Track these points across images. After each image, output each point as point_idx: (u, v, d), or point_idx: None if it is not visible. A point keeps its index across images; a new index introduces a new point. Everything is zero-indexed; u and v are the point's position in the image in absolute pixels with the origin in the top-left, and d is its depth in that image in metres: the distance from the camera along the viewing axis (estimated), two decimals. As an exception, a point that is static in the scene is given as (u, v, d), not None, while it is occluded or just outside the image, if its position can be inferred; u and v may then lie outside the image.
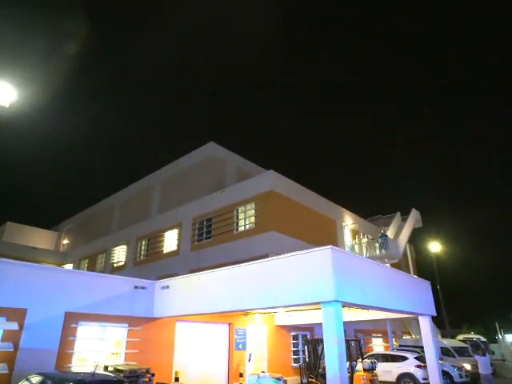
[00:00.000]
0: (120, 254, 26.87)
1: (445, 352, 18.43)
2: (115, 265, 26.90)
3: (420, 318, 12.55)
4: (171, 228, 23.35)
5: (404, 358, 14.87)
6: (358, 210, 26.04)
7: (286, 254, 8.71)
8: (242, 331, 14.60)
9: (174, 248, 22.52)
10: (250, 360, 14.14)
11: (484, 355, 12.91)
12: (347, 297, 7.94)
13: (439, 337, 24.63)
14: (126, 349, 10.94)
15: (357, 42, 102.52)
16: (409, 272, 25.89)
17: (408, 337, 24.74)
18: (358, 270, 8.69)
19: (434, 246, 25.24)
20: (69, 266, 32.68)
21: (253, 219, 18.54)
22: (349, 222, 23.89)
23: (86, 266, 30.66)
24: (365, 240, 21.78)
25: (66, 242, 38.37)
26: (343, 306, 8.19)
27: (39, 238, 38.27)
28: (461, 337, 23.78)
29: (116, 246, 27.53)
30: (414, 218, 25.54)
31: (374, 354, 16.17)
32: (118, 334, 11.02)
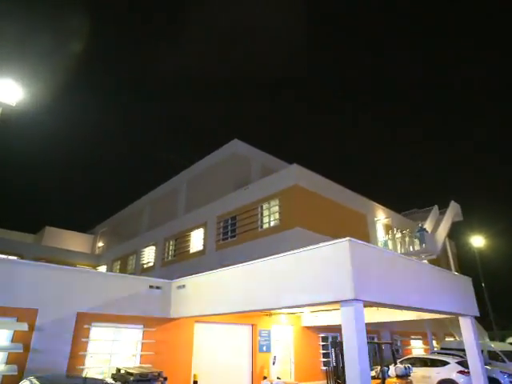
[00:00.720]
0: (149, 255, 26.99)
1: (493, 356, 16.75)
2: (145, 266, 27.06)
3: (460, 318, 11.29)
4: (197, 228, 23.08)
5: (444, 363, 13.51)
6: (392, 205, 24.62)
7: (301, 249, 7.93)
8: (266, 332, 13.91)
9: (200, 248, 22.21)
10: (274, 363, 13.42)
11: None
12: (369, 295, 7.04)
13: (487, 339, 22.68)
14: (142, 351, 10.58)
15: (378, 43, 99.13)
16: (449, 269, 24.07)
17: (451, 339, 22.96)
18: (382, 265, 7.74)
19: (477, 241, 23.25)
20: (102, 268, 33.45)
21: (277, 216, 17.81)
22: (381, 216, 22.54)
23: (118, 267, 31.19)
24: (398, 235, 20.44)
25: (100, 244, 39.40)
26: (365, 306, 7.30)
27: (76, 242, 39.53)
28: (511, 339, 21.69)
29: (145, 247, 27.71)
30: (453, 211, 23.72)
31: (410, 358, 14.89)
32: (133, 335, 10.68)
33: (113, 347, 10.24)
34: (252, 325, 13.72)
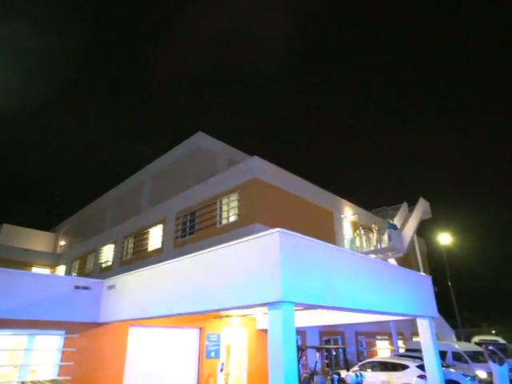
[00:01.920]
0: (108, 254, 25.47)
1: (457, 357, 16.17)
2: (103, 265, 25.51)
3: (418, 320, 10.49)
4: (156, 224, 21.76)
5: (404, 367, 12.73)
6: (363, 203, 24.01)
7: (228, 243, 6.86)
8: (215, 337, 12.78)
9: (159, 246, 20.90)
10: (222, 370, 12.31)
11: (501, 364, 10.65)
12: (303, 296, 6.02)
13: (454, 338, 22.23)
14: (62, 361, 9.26)
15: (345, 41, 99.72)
16: (418, 268, 23.55)
17: (419, 339, 22.41)
18: (322, 261, 6.75)
19: (444, 238, 22.78)
20: (62, 268, 31.59)
21: (236, 211, 16.74)
22: (348, 213, 21.77)
23: (77, 267, 29.42)
24: (362, 232, 19.72)
25: (62, 243, 37.34)
26: (304, 309, 6.28)
27: (37, 240, 37.29)
28: (476, 339, 21.28)
29: (104, 245, 26.16)
30: (421, 208, 23.20)
31: (372, 362, 14.08)
32: (52, 343, 9.36)
33: (25, 358, 8.90)
34: (200, 328, 12.57)
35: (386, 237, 19.35)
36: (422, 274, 11.09)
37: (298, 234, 6.33)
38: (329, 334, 17.44)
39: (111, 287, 10.03)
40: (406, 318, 10.69)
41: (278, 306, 5.76)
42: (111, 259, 24.91)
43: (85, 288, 10.03)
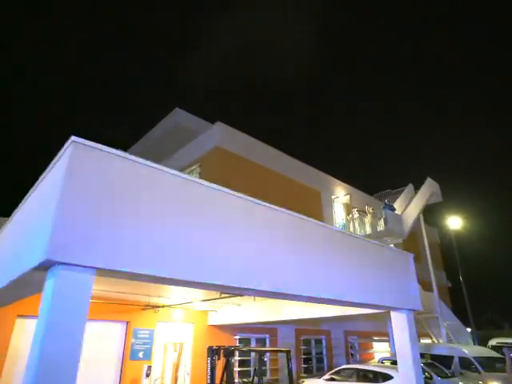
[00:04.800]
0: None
1: (465, 365, 13.04)
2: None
3: (392, 314, 7.64)
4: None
5: (386, 377, 9.82)
6: (365, 186, 20.99)
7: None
8: (146, 333, 10.28)
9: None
10: (148, 375, 9.81)
11: None
12: (113, 258, 3.41)
13: (470, 342, 18.88)
14: None
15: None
16: (426, 261, 20.23)
17: (427, 340, 19.18)
18: (170, 202, 4.12)
19: (454, 222, 19.34)
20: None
21: (197, 187, 14.24)
22: (341, 194, 18.83)
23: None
24: (357, 215, 16.80)
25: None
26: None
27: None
28: (494, 341, 17.86)
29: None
30: (428, 189, 19.87)
31: (348, 369, 11.20)
32: None
33: None
34: (127, 322, 10.13)
35: (382, 220, 16.42)
36: (399, 250, 8.20)
37: (116, 151, 3.72)
38: (308, 332, 14.63)
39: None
40: (374, 311, 7.84)
41: (55, 271, 3.17)
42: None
43: None
